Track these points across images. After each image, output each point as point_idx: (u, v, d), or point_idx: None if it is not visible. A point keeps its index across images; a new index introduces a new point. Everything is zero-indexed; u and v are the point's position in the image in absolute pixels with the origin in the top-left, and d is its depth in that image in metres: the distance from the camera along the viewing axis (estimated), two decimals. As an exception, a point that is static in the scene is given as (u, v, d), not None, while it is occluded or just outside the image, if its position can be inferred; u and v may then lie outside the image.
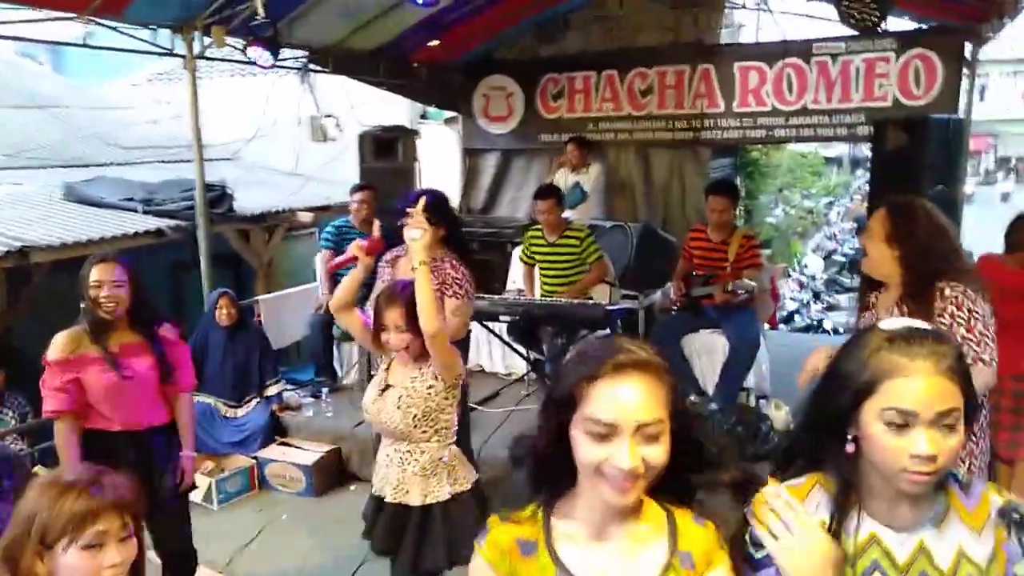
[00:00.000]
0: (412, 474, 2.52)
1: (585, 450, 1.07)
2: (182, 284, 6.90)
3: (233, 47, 4.93)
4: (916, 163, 4.81)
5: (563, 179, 6.21)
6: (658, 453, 1.07)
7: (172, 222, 5.41)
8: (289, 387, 5.21)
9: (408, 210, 2.93)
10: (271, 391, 4.95)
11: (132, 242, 5.05)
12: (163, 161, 7.66)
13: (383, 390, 2.56)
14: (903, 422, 1.08)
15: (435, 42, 6.28)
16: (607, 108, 6.80)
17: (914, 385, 1.07)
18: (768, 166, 14.13)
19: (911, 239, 2.32)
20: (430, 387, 2.49)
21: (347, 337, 5.06)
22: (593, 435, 1.07)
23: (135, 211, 5.53)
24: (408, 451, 2.54)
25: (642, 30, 6.66)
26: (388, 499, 2.55)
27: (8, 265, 4.41)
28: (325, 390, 5.24)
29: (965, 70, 5.59)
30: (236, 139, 7.73)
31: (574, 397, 1.08)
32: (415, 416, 2.49)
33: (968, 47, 5.54)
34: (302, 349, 6.04)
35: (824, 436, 1.19)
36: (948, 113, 5.46)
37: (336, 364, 5.54)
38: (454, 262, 3.37)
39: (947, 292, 2.25)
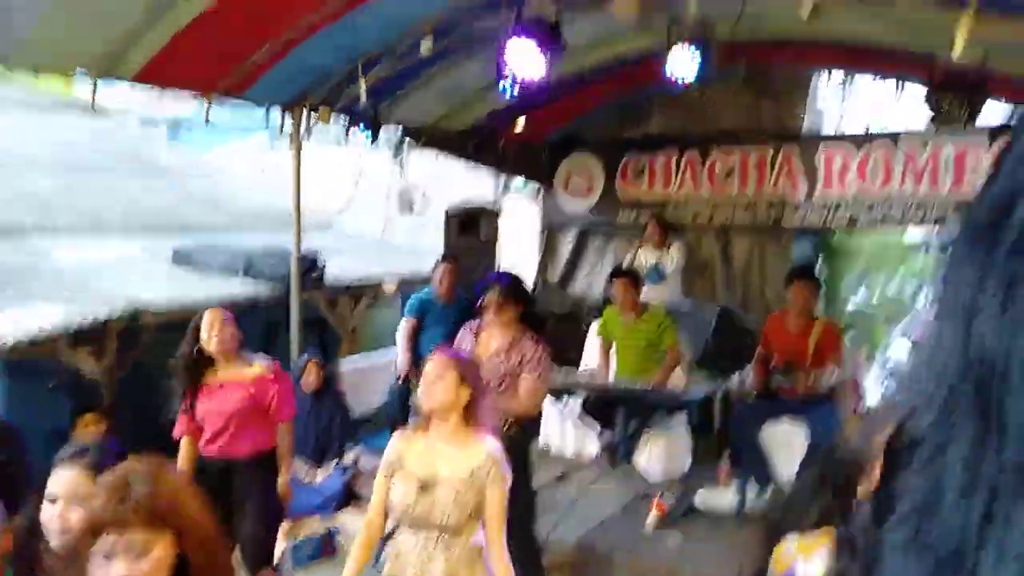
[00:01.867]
0: (456, 563, 2.35)
1: None
2: (273, 345, 7.23)
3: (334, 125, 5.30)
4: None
5: (643, 258, 6.28)
6: None
7: (267, 287, 5.73)
8: (367, 453, 5.33)
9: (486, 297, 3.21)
10: (349, 456, 5.08)
11: (231, 305, 5.39)
12: (265, 229, 8.16)
13: (423, 486, 2.35)
14: None
15: (522, 123, 6.55)
16: (687, 189, 6.87)
17: None
18: (850, 249, 13.77)
19: None
20: (489, 471, 2.34)
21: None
22: None
23: (236, 276, 5.89)
24: (450, 539, 2.35)
25: (724, 113, 6.76)
26: None
27: (120, 326, 4.76)
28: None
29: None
30: (331, 208, 8.18)
31: None
32: (471, 512, 2.34)
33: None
34: (380, 415, 6.20)
35: None
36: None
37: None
38: (533, 339, 3.52)
39: None
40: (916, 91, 5.16)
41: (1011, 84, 4.66)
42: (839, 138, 6.35)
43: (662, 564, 3.99)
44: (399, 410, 5.48)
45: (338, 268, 6.58)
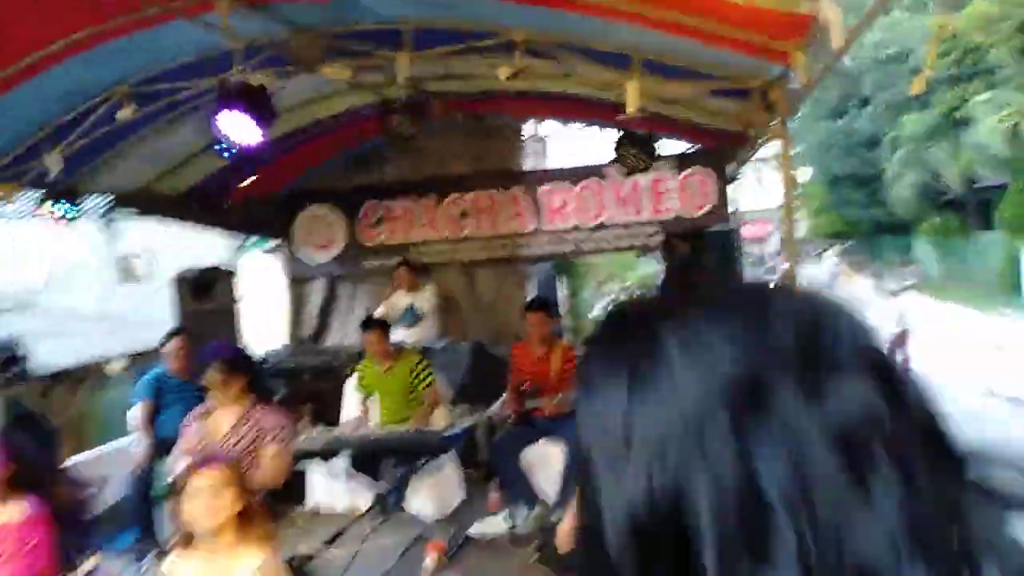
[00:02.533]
0: None
1: None
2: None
3: (26, 199, 4.69)
4: (699, 269, 5.48)
5: (397, 301, 6.34)
6: None
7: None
8: (107, 558, 4.72)
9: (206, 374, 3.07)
10: (86, 567, 4.46)
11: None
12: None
13: None
14: None
15: (251, 178, 6.32)
16: (427, 231, 7.10)
17: None
18: (587, 264, 15.15)
19: None
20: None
21: (168, 493, 4.73)
22: None
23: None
24: None
25: (452, 159, 7.11)
26: None
27: None
28: (149, 555, 4.81)
29: (730, 186, 6.51)
30: (32, 285, 7.17)
31: None
32: None
33: (729, 167, 6.48)
34: (119, 513, 5.52)
35: None
36: (722, 222, 6.30)
37: (158, 526, 5.12)
38: (265, 408, 3.44)
39: None
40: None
41: (680, 127, 5.53)
42: (554, 176, 6.98)
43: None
44: (140, 503, 4.94)
45: (49, 351, 5.79)
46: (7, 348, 5.25)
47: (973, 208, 23.25)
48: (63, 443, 6.12)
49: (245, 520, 2.31)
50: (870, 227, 31.18)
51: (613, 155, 5.36)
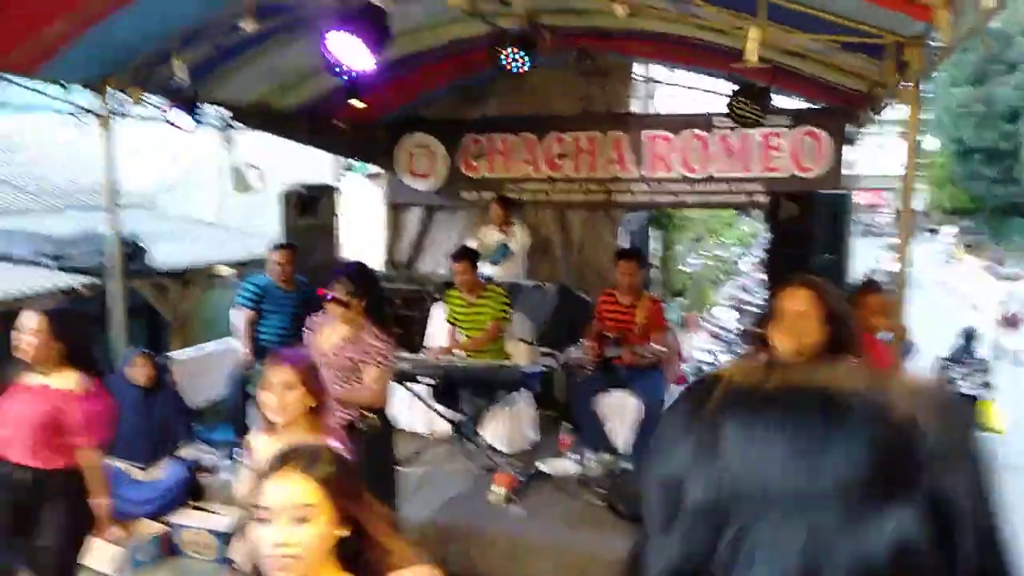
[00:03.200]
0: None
1: None
2: (93, 342, 6.70)
3: (150, 104, 4.95)
4: (806, 234, 5.24)
5: (489, 237, 6.41)
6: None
7: (85, 279, 5.30)
8: (204, 449, 5.13)
9: (332, 290, 3.16)
10: (185, 453, 4.87)
11: (44, 299, 4.93)
12: (72, 208, 7.47)
13: None
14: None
15: (359, 103, 6.42)
16: (526, 169, 7.08)
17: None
18: (684, 218, 14.76)
19: (843, 322, 2.54)
20: None
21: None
22: None
23: (47, 267, 5.39)
24: None
25: (556, 98, 6.99)
26: None
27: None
28: (236, 453, 5.18)
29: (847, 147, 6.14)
30: (153, 187, 7.63)
31: None
32: None
33: (848, 128, 6.10)
34: (219, 408, 5.95)
35: None
36: (834, 187, 5.97)
37: (252, 424, 5.49)
38: (376, 331, 3.52)
39: None
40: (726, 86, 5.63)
41: (799, 82, 5.22)
42: (660, 123, 6.76)
43: (503, 534, 4.18)
44: (238, 404, 5.30)
45: (165, 252, 6.19)
46: (130, 243, 5.62)
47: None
48: (172, 337, 6.62)
49: (315, 421, 2.44)
50: (997, 206, 28.87)
51: (724, 106, 5.13)
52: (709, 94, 6.72)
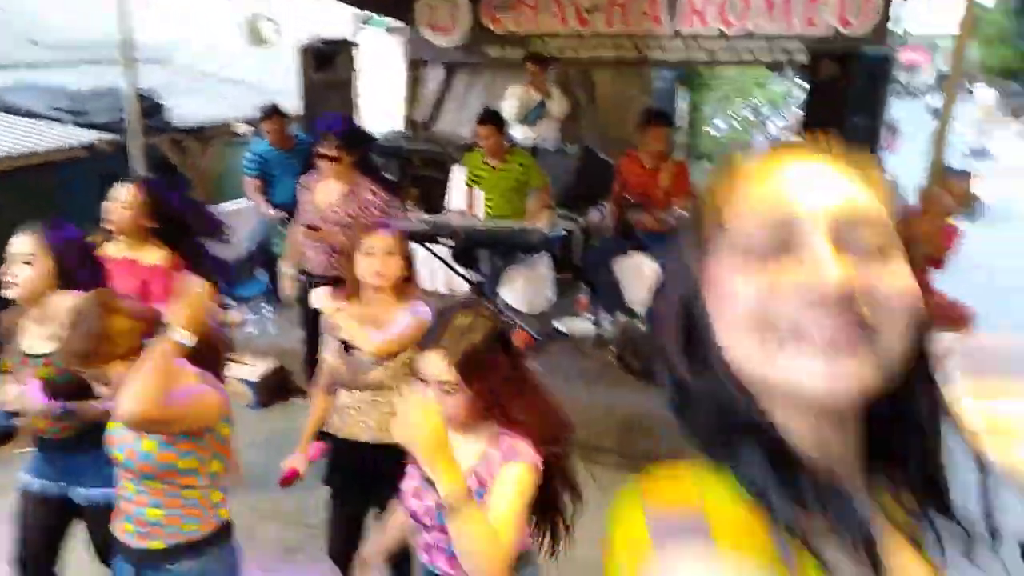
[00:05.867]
0: (389, 414, 2.47)
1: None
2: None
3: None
4: (844, 94, 5.00)
5: (528, 96, 6.20)
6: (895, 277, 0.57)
7: (104, 135, 5.26)
8: (231, 303, 5.28)
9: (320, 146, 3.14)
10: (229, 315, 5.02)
11: (64, 155, 4.93)
12: (86, 62, 7.28)
13: (348, 348, 2.44)
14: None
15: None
16: (554, 23, 6.71)
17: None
18: (713, 77, 14.11)
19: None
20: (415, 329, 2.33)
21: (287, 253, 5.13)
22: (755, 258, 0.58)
23: (64, 122, 5.35)
24: (388, 397, 2.42)
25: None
26: (368, 440, 2.44)
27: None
28: (268, 307, 5.34)
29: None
30: (167, 41, 7.38)
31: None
32: (402, 369, 2.37)
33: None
34: (242, 266, 6.06)
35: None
36: (879, 44, 5.62)
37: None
38: (372, 187, 3.54)
39: None
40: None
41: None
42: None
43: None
44: (266, 258, 5.40)
45: (182, 108, 6.09)
46: (148, 98, 5.52)
47: None
48: (193, 195, 6.64)
49: (404, 286, 2.47)
50: (1051, 68, 27.20)
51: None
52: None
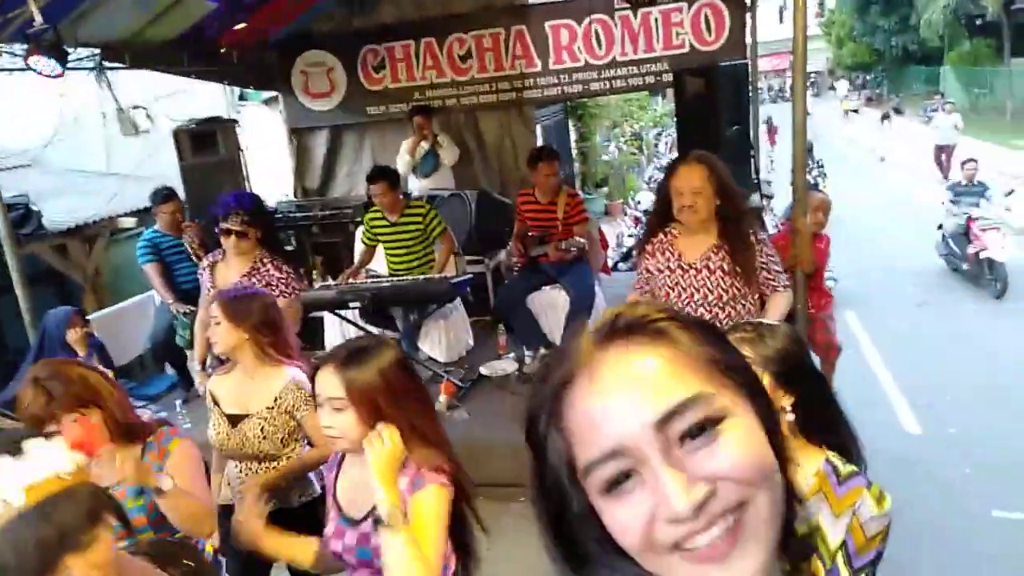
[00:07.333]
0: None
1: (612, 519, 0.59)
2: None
3: (11, 53, 4.52)
4: (712, 107, 5.28)
5: (417, 149, 6.23)
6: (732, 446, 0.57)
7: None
8: (139, 404, 5.03)
9: (226, 222, 3.11)
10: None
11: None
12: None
13: (233, 421, 2.47)
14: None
15: (242, 24, 6.01)
16: (430, 75, 6.84)
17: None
18: (597, 106, 14.65)
19: (731, 191, 2.71)
20: (293, 401, 2.42)
21: (191, 344, 4.94)
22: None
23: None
24: (267, 466, 2.50)
25: (453, -4, 6.69)
26: None
27: None
28: (178, 402, 5.11)
29: (748, 16, 6.12)
30: (34, 142, 7.07)
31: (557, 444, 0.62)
32: (282, 439, 2.46)
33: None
34: (145, 362, 5.81)
35: None
36: (738, 57, 5.99)
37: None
38: (276, 262, 3.49)
39: (758, 236, 2.75)
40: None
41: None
42: (561, 12, 6.55)
43: (455, 438, 4.29)
44: (171, 351, 5.18)
45: (60, 210, 5.83)
46: (19, 205, 5.27)
47: (1010, 33, 21.88)
48: (85, 299, 6.33)
49: (260, 349, 2.47)
50: (896, 57, 29.66)
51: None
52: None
